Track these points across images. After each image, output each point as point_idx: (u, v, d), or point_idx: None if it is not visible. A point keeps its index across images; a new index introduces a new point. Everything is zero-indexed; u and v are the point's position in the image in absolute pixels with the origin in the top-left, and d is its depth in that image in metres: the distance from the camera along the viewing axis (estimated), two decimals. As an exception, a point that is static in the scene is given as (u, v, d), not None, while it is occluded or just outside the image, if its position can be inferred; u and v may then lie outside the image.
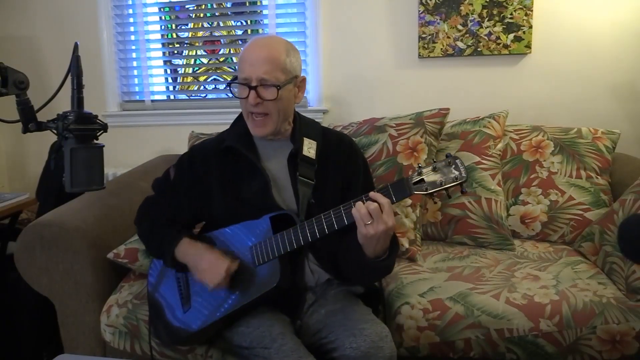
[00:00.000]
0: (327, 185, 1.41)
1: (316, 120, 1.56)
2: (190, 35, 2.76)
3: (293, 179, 1.39)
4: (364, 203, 1.18)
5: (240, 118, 1.48)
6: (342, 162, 1.45)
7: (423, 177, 1.19)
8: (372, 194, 1.19)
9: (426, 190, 1.18)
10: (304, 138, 1.42)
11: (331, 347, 1.29)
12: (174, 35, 2.83)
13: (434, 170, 1.18)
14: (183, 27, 2.68)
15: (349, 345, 1.24)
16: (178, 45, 2.82)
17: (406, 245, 1.85)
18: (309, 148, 1.41)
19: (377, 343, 1.24)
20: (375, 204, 1.17)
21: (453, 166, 1.17)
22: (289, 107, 1.40)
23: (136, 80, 2.69)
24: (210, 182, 1.44)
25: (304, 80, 1.42)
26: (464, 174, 1.16)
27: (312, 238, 1.27)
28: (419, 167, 1.19)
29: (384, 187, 1.21)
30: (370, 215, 1.17)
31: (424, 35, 2.31)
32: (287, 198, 1.40)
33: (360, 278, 1.42)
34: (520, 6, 2.22)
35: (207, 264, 1.33)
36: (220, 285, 1.31)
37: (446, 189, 1.18)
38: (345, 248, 1.31)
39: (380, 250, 1.23)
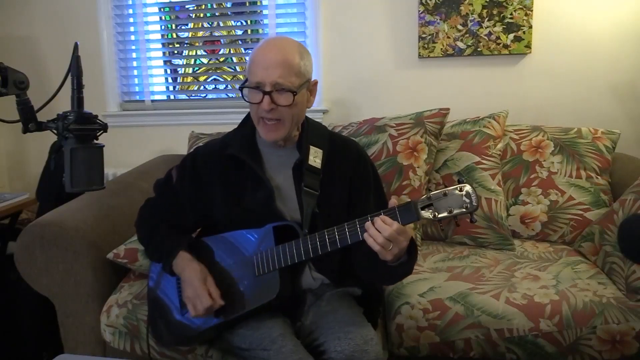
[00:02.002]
0: (332, 196, 1.37)
1: (316, 120, 1.52)
2: (190, 35, 2.76)
3: (298, 190, 1.36)
4: (373, 224, 1.15)
5: (247, 120, 1.43)
6: (348, 172, 1.40)
7: (432, 202, 1.14)
8: (382, 218, 1.15)
9: (434, 216, 1.14)
10: (310, 146, 1.37)
11: (321, 350, 1.28)
12: (174, 35, 2.83)
13: (444, 195, 1.14)
14: (183, 27, 2.68)
15: (334, 349, 1.24)
16: (178, 45, 2.82)
17: (406, 245, 1.84)
18: (315, 157, 1.36)
19: (361, 346, 1.23)
20: (390, 230, 1.13)
21: (464, 193, 1.13)
22: (302, 113, 1.36)
23: (136, 80, 2.69)
24: (212, 187, 1.41)
25: (316, 83, 1.37)
26: (474, 203, 1.12)
27: (314, 253, 1.25)
28: (429, 191, 1.17)
29: (391, 210, 1.17)
30: (390, 241, 1.14)
31: (424, 35, 2.31)
32: (291, 208, 1.37)
33: (382, 282, 1.45)
34: (520, 6, 2.22)
35: (192, 293, 1.31)
36: (196, 316, 1.32)
37: (455, 216, 1.15)
38: (362, 255, 1.28)
39: (399, 254, 1.19)
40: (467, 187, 1.13)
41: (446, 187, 1.15)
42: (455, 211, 1.13)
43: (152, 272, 1.53)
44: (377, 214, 1.16)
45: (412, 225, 1.85)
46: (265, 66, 1.26)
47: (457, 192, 1.13)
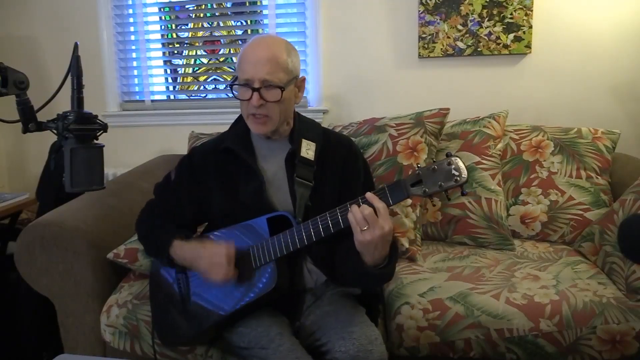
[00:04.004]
0: (325, 188, 1.39)
1: (316, 120, 1.55)
2: (190, 35, 2.76)
3: (290, 181, 1.38)
4: (359, 206, 1.15)
5: (240, 119, 1.47)
6: (340, 165, 1.43)
7: (422, 178, 1.14)
8: (368, 195, 1.16)
9: (424, 192, 1.14)
10: (303, 139, 1.40)
11: (324, 350, 1.28)
12: (174, 35, 2.84)
13: (433, 171, 1.13)
14: (183, 27, 2.68)
15: (338, 349, 1.24)
16: (178, 45, 2.82)
17: (406, 245, 1.84)
18: (307, 149, 1.39)
19: (365, 346, 1.23)
20: (370, 209, 1.14)
21: (453, 167, 1.12)
22: (290, 108, 1.39)
23: (136, 80, 2.69)
24: (209, 183, 1.44)
25: (303, 80, 1.41)
26: (464, 175, 1.11)
27: (308, 241, 1.25)
28: (418, 167, 1.16)
29: (380, 189, 1.18)
30: (366, 221, 1.13)
31: (424, 35, 2.31)
32: (284, 199, 1.39)
33: (359, 284, 1.40)
34: (520, 6, 2.22)
35: (206, 263, 1.31)
36: (228, 276, 1.28)
37: (445, 190, 1.14)
38: (344, 254, 1.29)
39: (379, 257, 1.19)
40: (456, 160, 1.12)
41: (434, 162, 1.14)
42: (446, 186, 1.13)
43: (152, 271, 1.54)
44: (368, 194, 1.17)
45: (411, 225, 1.88)
46: (254, 63, 1.30)
47: (445, 166, 1.13)
